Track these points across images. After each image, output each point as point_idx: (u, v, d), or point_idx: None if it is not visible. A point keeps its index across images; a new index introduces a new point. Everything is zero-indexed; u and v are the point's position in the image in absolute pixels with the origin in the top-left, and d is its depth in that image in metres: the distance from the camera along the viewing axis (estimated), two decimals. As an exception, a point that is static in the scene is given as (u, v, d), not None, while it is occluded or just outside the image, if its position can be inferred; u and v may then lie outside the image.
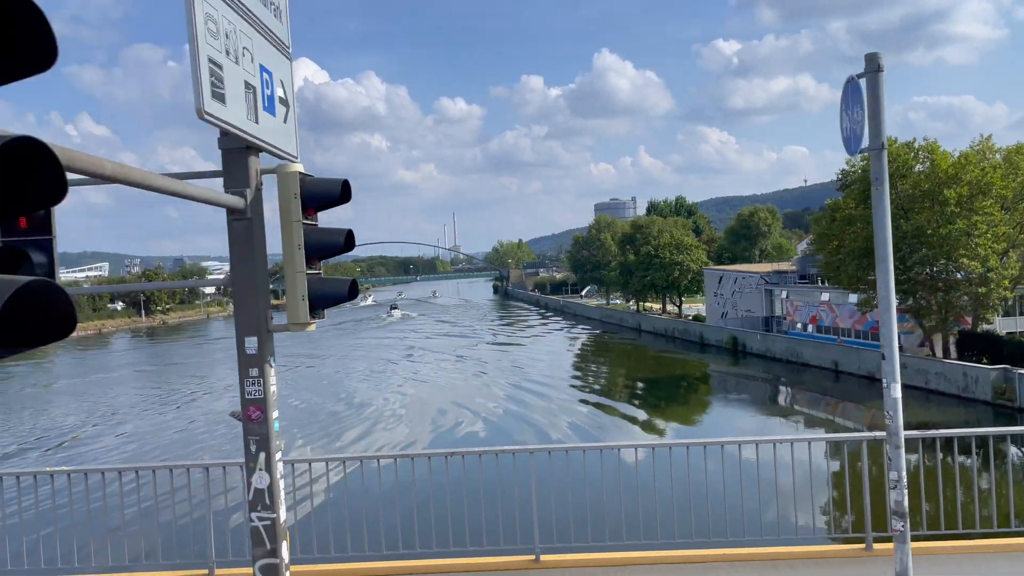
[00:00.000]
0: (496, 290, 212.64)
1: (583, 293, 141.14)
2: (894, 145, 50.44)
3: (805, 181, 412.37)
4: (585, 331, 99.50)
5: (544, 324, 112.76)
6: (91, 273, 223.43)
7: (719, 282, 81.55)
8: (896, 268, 48.89)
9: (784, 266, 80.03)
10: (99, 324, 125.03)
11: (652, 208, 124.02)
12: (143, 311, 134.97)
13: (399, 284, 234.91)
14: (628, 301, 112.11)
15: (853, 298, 59.67)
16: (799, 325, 66.12)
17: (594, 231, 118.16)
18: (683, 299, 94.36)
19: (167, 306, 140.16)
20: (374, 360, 75.04)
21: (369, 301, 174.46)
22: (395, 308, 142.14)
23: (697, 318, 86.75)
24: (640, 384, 59.55)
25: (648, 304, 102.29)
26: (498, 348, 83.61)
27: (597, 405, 49.28)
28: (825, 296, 63.40)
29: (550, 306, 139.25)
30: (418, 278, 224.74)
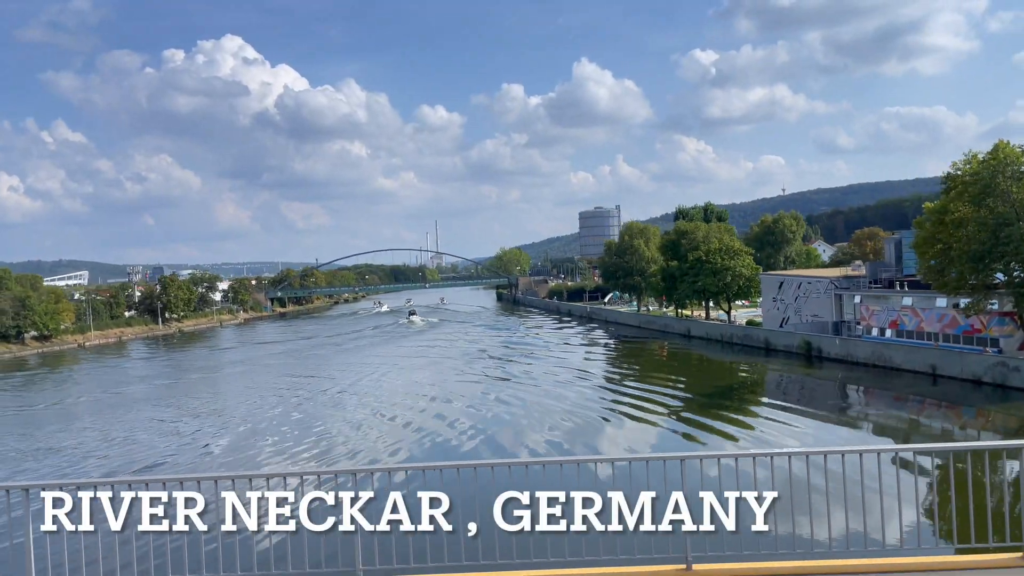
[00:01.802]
0: (500, 297, 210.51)
1: (606, 300, 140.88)
2: (1006, 147, 50.70)
3: (783, 190, 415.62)
4: (630, 338, 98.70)
5: (581, 331, 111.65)
6: (71, 281, 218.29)
7: (779, 287, 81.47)
8: (1009, 271, 48.87)
9: (850, 271, 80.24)
10: (118, 332, 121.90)
11: (681, 214, 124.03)
12: (159, 319, 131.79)
13: (392, 292, 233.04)
14: (663, 307, 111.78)
15: (942, 302, 59.48)
16: (875, 330, 65.97)
17: (626, 238, 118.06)
18: (731, 304, 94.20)
19: (182, 314, 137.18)
20: (461, 361, 74.42)
21: (384, 308, 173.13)
22: (413, 315, 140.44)
23: (751, 323, 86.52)
24: (752, 390, 59.09)
25: (685, 311, 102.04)
26: (564, 353, 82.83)
27: (725, 413, 48.93)
28: (907, 300, 63.33)
29: (574, 313, 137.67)
30: (427, 286, 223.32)
